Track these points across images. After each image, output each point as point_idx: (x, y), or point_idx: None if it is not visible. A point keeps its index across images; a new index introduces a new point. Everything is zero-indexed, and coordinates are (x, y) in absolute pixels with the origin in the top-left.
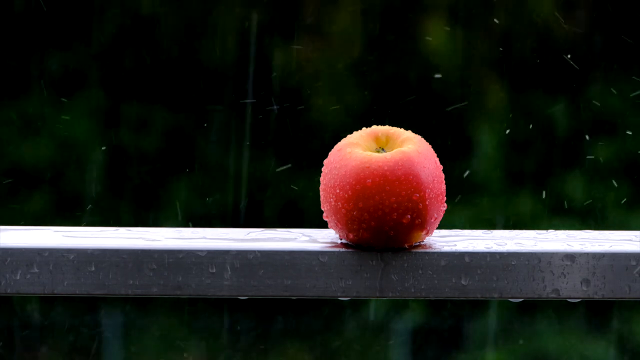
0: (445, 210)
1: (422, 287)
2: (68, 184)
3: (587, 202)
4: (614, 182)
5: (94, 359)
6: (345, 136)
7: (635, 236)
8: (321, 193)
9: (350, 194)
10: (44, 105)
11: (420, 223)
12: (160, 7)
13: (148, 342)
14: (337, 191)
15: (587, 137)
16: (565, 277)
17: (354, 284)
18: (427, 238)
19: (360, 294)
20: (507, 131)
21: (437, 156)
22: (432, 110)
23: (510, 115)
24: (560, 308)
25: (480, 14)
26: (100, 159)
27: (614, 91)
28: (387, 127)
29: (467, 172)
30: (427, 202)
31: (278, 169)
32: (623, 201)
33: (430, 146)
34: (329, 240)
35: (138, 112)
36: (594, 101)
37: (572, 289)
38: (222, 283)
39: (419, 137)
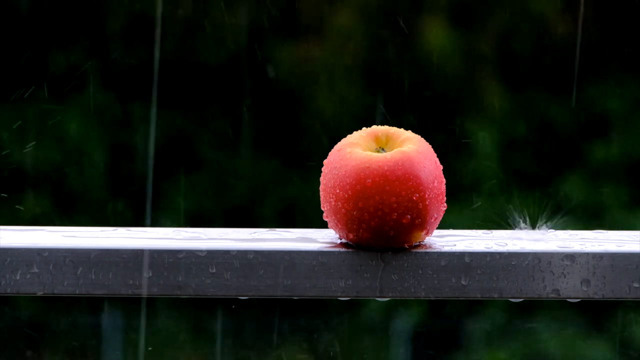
0: (445, 210)
1: (422, 287)
2: (68, 184)
3: (587, 202)
4: (614, 182)
5: (94, 359)
6: (345, 136)
7: (636, 236)
8: (321, 193)
9: (350, 194)
10: (45, 105)
11: (420, 223)
12: (161, 7)
13: (148, 342)
14: (337, 191)
15: (587, 137)
16: (565, 277)
17: (354, 284)
18: (427, 238)
19: (360, 294)
20: (507, 131)
21: (437, 156)
22: (431, 110)
23: (510, 115)
24: (560, 308)
25: (480, 14)
26: (101, 159)
27: (614, 91)
28: (387, 127)
29: (466, 172)
30: (427, 202)
31: (278, 169)
32: (623, 201)
33: (430, 146)
34: (329, 240)
35: (138, 112)
36: (594, 101)
37: (572, 289)
38: (222, 283)
39: (419, 137)
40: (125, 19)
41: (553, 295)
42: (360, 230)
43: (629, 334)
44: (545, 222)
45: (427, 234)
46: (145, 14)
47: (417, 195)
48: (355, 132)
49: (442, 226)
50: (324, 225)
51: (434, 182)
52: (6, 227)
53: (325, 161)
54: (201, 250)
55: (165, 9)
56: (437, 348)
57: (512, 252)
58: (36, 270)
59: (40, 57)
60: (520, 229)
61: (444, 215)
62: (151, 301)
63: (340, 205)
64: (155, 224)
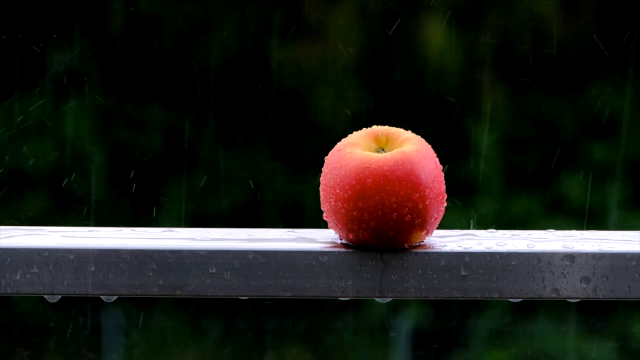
0: (445, 210)
1: (422, 287)
2: (68, 183)
3: (587, 202)
4: (614, 182)
5: (93, 359)
6: (345, 136)
7: (636, 236)
8: (321, 193)
9: (350, 194)
10: (44, 105)
11: (420, 223)
12: (160, 6)
13: (148, 342)
14: (337, 191)
15: (587, 137)
16: (565, 277)
17: (354, 284)
18: (427, 238)
19: (360, 294)
20: (507, 131)
21: (437, 156)
22: (431, 110)
23: (510, 115)
24: (560, 308)
25: (480, 14)
26: (100, 159)
27: (614, 91)
28: (387, 127)
29: (466, 172)
30: (427, 202)
31: (278, 169)
32: (623, 201)
33: (430, 146)
34: (329, 240)
35: (138, 112)
36: (594, 101)
37: (572, 289)
38: (222, 283)
39: (419, 137)
40: (125, 18)
41: (553, 295)
42: (360, 230)
43: (629, 334)
44: None
45: (427, 234)
46: (146, 13)
47: (417, 195)
48: (355, 132)
49: (442, 226)
50: (324, 225)
51: (433, 182)
52: (6, 227)
53: (325, 161)
54: (201, 250)
55: (165, 9)
56: (437, 348)
57: (512, 252)
58: (36, 270)
59: (39, 56)
60: None
61: (445, 215)
62: (151, 301)
63: (340, 205)
64: (155, 224)
